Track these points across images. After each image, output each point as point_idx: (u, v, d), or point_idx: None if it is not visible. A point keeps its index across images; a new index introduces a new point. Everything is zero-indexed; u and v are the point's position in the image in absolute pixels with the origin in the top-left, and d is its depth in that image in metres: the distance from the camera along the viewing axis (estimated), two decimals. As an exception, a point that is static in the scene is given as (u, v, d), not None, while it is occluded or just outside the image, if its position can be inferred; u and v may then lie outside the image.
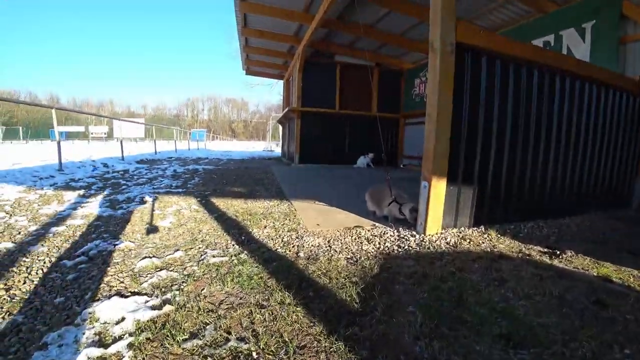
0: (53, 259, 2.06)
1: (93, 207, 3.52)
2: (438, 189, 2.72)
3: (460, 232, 2.80)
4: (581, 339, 1.35)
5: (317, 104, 9.74)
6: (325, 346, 1.24)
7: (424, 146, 2.80)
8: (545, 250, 2.50)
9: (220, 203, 3.88)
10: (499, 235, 2.79)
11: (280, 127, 16.20)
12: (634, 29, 4.73)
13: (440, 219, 2.78)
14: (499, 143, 3.07)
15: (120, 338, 1.28)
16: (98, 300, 1.55)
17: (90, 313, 1.43)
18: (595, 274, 2.07)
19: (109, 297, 1.57)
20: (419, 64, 9.98)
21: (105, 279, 1.78)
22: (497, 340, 1.32)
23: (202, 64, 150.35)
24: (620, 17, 4.76)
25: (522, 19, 6.48)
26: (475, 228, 2.96)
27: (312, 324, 1.37)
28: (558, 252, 2.39)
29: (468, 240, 2.61)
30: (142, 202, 3.88)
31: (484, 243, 2.59)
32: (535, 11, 6.13)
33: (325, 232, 2.78)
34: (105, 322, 1.37)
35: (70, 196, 4.06)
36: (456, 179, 2.86)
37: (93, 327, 1.34)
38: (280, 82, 15.54)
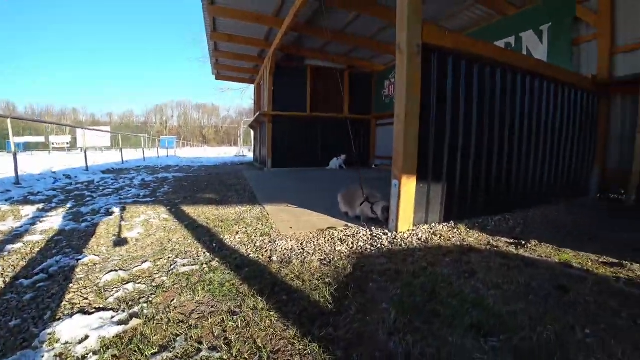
0: (8, 279, 1.93)
1: (54, 222, 3.33)
2: (408, 187, 2.76)
3: (431, 228, 2.86)
4: (546, 323, 1.41)
5: (288, 108, 9.72)
6: (299, 349, 1.22)
7: (394, 146, 2.84)
8: (512, 241, 2.60)
9: (191, 211, 3.78)
10: (468, 229, 2.88)
11: (252, 132, 16.04)
12: (586, 30, 5.03)
13: (411, 216, 2.83)
14: (465, 140, 3.17)
15: (84, 358, 1.21)
16: (59, 319, 1.45)
17: (49, 334, 1.33)
18: (557, 260, 2.17)
19: (71, 315, 1.48)
20: (389, 66, 10.18)
21: (67, 297, 1.68)
22: (469, 330, 1.35)
23: (171, 69, 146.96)
24: (574, 20, 5.06)
25: (484, 21, 6.75)
26: (445, 223, 3.03)
27: (286, 328, 1.35)
28: (523, 242, 2.50)
29: (439, 236, 2.67)
30: (108, 213, 3.72)
31: (454, 237, 2.66)
32: (496, 14, 6.40)
33: (299, 234, 2.77)
34: (66, 342, 1.28)
35: (29, 211, 3.82)
36: (426, 177, 2.92)
37: (53, 348, 1.26)
38: (251, 87, 15.39)
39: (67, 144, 44.65)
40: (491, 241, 2.57)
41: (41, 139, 48.44)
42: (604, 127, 4.68)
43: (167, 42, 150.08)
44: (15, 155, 5.93)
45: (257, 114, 10.55)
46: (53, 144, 42.76)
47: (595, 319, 1.45)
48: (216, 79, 14.33)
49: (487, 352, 1.22)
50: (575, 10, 5.01)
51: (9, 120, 6.11)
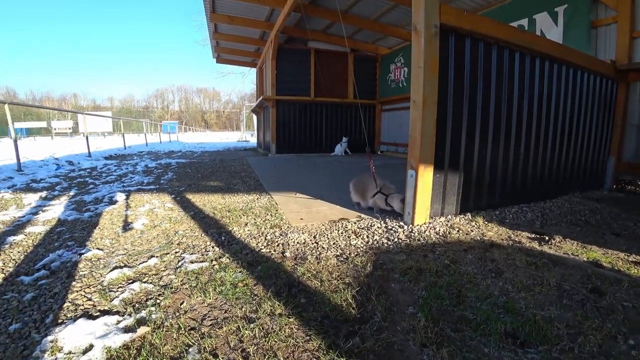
0: (9, 276, 1.83)
1: (56, 211, 3.23)
2: (425, 177, 2.63)
3: (448, 221, 2.74)
4: (586, 331, 1.30)
5: (292, 92, 9.51)
6: (325, 363, 1.11)
7: (410, 134, 2.69)
8: (534, 236, 2.48)
9: (197, 199, 3.67)
10: (486, 222, 2.76)
11: (255, 117, 15.81)
12: (604, 12, 4.78)
13: (427, 208, 2.71)
14: (483, 127, 3.02)
15: (89, 371, 1.11)
16: (61, 324, 1.35)
17: (51, 342, 1.23)
18: (585, 259, 2.05)
19: (74, 319, 1.37)
20: (395, 49, 9.87)
21: (70, 296, 1.58)
22: (504, 340, 1.25)
23: (171, 53, 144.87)
24: (592, 1, 4.80)
25: (496, 3, 6.46)
26: (462, 215, 2.91)
27: (308, 338, 1.24)
28: (547, 238, 2.38)
29: (457, 229, 2.55)
30: (112, 202, 3.62)
31: (473, 231, 2.54)
32: (509, -6, 6.12)
33: (310, 226, 2.66)
34: (69, 352, 1.18)
35: (31, 199, 3.73)
36: (442, 166, 2.78)
37: (55, 359, 1.15)
38: (253, 70, 15.08)
39: (70, 129, 44.45)
40: (512, 236, 2.45)
41: (43, 124, 48.22)
42: (621, 115, 4.49)
43: (166, 25, 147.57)
44: (15, 141, 5.82)
45: (260, 98, 10.33)
46: (55, 129, 42.66)
47: (637, 327, 1.34)
48: (217, 62, 14.02)
49: (528, 366, 1.11)
50: None
51: (6, 106, 5.96)
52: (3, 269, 1.91)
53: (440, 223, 2.67)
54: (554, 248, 2.21)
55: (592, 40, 4.88)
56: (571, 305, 1.49)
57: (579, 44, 4.86)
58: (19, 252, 2.19)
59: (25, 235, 2.53)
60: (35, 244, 2.35)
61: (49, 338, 1.25)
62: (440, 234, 2.45)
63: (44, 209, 3.33)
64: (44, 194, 4.02)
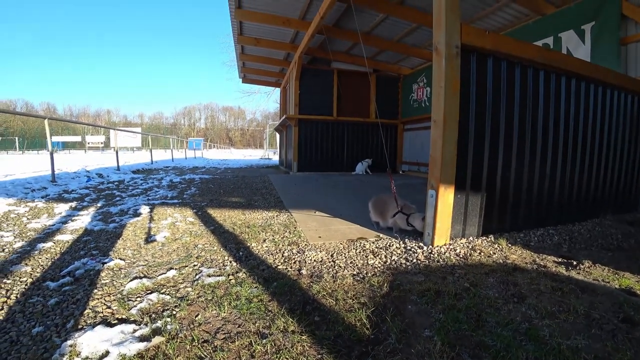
0: (36, 280, 1.91)
1: (84, 221, 3.36)
2: (446, 198, 2.58)
3: (469, 243, 2.66)
4: (617, 365, 1.22)
5: (314, 111, 9.65)
6: (335, 383, 1.09)
7: (430, 153, 2.67)
8: (560, 260, 2.37)
9: (217, 214, 3.74)
10: (509, 245, 2.66)
11: (278, 135, 16.11)
12: (635, 28, 4.66)
13: (448, 229, 2.65)
14: (506, 147, 2.95)
15: (103, 377, 1.13)
16: (81, 329, 1.39)
17: (70, 346, 1.27)
18: (617, 286, 1.93)
19: (93, 325, 1.41)
20: (417, 70, 9.92)
21: (91, 304, 1.63)
22: (526, 370, 1.18)
23: (199, 72, 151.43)
24: (621, 17, 4.70)
25: (519, 22, 6.43)
26: (484, 237, 2.82)
27: (320, 357, 1.21)
28: (575, 263, 2.26)
29: (478, 251, 2.47)
30: (136, 214, 3.73)
31: (495, 254, 2.45)
32: (533, 13, 6.07)
33: (328, 245, 2.64)
34: (86, 358, 1.21)
35: (62, 209, 3.91)
36: (464, 187, 2.73)
37: (73, 363, 1.19)
38: (277, 90, 15.48)
39: (102, 143, 46.95)
40: (537, 259, 2.35)
41: (78, 138, 51.09)
42: (656, 134, 4.28)
43: (196, 46, 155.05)
44: (52, 154, 6.16)
45: (283, 117, 10.53)
46: (89, 143, 45.10)
47: (676, 363, 1.24)
48: (243, 82, 14.49)
49: (553, 400, 1.05)
50: (621, 8, 4.65)
51: (46, 121, 6.35)
52: (31, 274, 2.00)
53: (461, 245, 2.60)
54: (582, 273, 2.09)
55: (622, 57, 4.75)
56: (600, 335, 1.40)
57: (608, 62, 4.74)
58: (47, 258, 2.29)
59: (54, 242, 2.65)
60: (62, 251, 2.45)
61: (69, 342, 1.29)
62: (461, 256, 2.38)
63: (73, 218, 3.48)
64: (74, 204, 4.21)
